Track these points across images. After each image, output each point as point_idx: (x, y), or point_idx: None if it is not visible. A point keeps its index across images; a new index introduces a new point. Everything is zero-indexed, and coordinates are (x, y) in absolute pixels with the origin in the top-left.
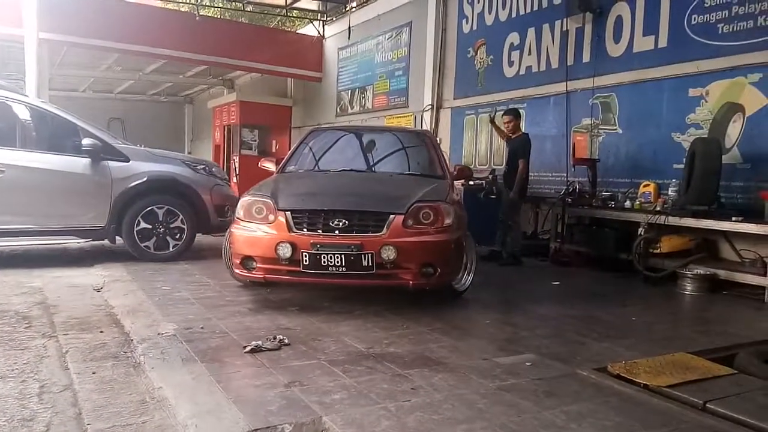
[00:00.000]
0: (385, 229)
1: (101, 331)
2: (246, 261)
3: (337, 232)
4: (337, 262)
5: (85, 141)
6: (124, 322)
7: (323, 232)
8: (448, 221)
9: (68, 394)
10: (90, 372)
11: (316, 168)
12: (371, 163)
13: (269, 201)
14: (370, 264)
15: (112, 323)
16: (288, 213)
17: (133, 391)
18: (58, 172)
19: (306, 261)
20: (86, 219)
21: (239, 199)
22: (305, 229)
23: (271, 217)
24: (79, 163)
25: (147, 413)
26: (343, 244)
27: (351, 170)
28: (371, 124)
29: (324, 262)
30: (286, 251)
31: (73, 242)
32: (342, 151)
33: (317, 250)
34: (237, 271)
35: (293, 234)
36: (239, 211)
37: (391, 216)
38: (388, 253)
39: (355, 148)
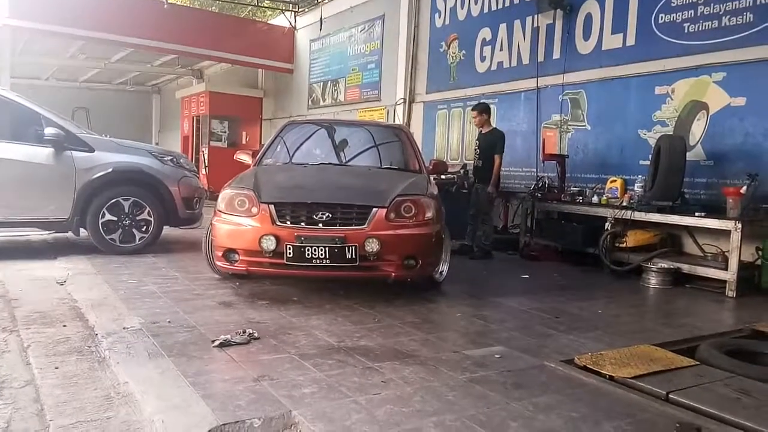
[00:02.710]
0: (367, 222)
1: (64, 326)
2: (228, 254)
3: (320, 224)
4: (321, 254)
5: (48, 130)
6: (89, 316)
7: (307, 224)
8: (428, 214)
9: (30, 390)
10: (53, 367)
11: (294, 161)
12: (349, 157)
13: (252, 193)
14: (353, 256)
15: (76, 317)
16: (271, 206)
17: (98, 387)
18: (20, 162)
19: (290, 253)
20: (49, 210)
21: (220, 191)
22: (289, 222)
23: (254, 210)
24: (42, 153)
25: (112, 409)
26: (327, 237)
27: (329, 164)
28: (347, 118)
29: (308, 254)
30: (270, 244)
31: (36, 234)
32: (319, 145)
33: (301, 243)
34: (219, 263)
35: (277, 226)
36: (221, 204)
37: (374, 209)
38: (372, 246)
39: (332, 141)
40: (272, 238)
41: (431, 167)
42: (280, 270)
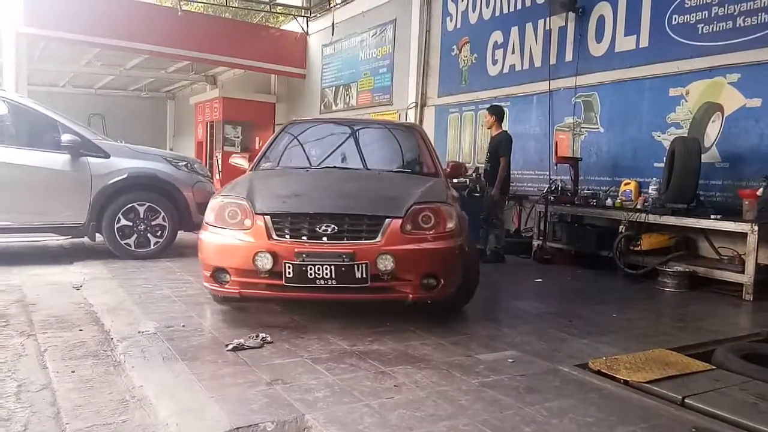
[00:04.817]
0: (380, 235)
1: (80, 330)
2: (218, 273)
3: (324, 239)
4: (326, 273)
5: (65, 137)
6: (104, 320)
7: (309, 239)
8: (450, 225)
9: (46, 393)
10: (69, 371)
11: (296, 165)
12: (357, 160)
13: (244, 203)
14: (364, 276)
15: (92, 321)
16: (267, 217)
17: (113, 390)
18: (37, 169)
19: (289, 273)
20: (65, 216)
21: (210, 200)
22: (288, 236)
23: (248, 222)
24: (59, 160)
25: (127, 412)
26: (333, 253)
27: (335, 167)
28: (356, 117)
29: (311, 274)
30: (265, 262)
31: (53, 239)
32: (324, 146)
33: (303, 261)
34: (207, 285)
35: (274, 242)
36: (209, 215)
37: (387, 220)
38: (386, 263)
39: (338, 142)
40: (268, 255)
41: (449, 170)
42: (279, 292)
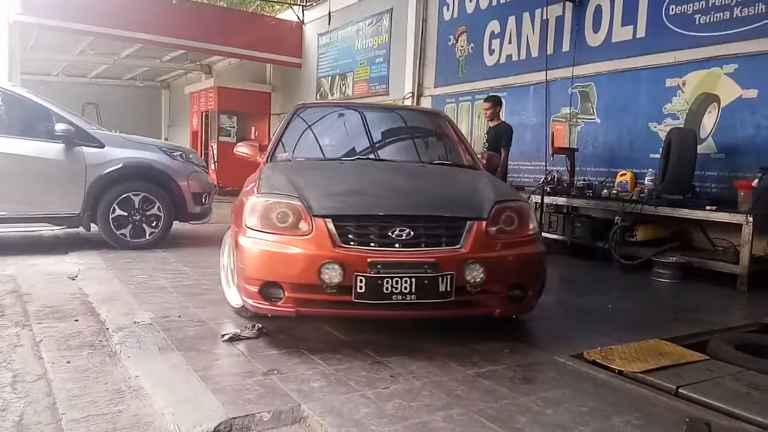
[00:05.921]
0: (462, 240)
1: (76, 320)
2: (268, 289)
3: (397, 245)
4: (405, 288)
5: (59, 126)
6: (100, 310)
7: (379, 246)
8: (532, 226)
9: (42, 384)
10: (65, 361)
11: (321, 156)
12: (387, 150)
13: (298, 204)
14: (448, 289)
15: (88, 312)
16: (329, 220)
17: (109, 380)
18: (31, 158)
19: (361, 288)
20: (60, 206)
21: (246, 199)
22: (354, 243)
23: (304, 227)
24: (53, 149)
25: (123, 402)
26: (413, 263)
27: (368, 158)
28: (370, 102)
29: (386, 288)
30: (334, 275)
31: (48, 229)
32: (345, 134)
33: (378, 273)
34: (252, 302)
35: (341, 250)
36: (250, 218)
37: (469, 222)
38: (474, 274)
39: (361, 130)
40: (337, 266)
41: (485, 161)
42: (345, 310)
